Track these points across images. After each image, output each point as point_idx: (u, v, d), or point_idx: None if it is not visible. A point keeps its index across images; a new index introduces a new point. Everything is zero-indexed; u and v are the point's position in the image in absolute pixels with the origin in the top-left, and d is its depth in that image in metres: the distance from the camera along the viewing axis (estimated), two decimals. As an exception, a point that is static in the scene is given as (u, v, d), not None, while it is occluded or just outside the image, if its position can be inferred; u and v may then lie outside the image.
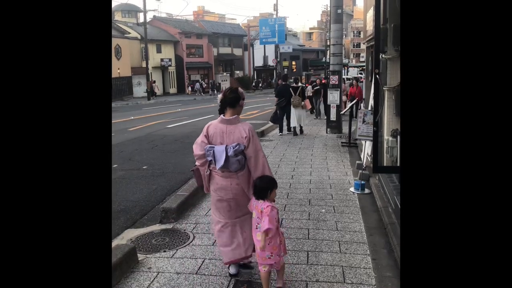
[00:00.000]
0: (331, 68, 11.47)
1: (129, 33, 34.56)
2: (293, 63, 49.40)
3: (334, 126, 11.27)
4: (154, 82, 35.00)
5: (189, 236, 4.10)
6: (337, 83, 11.03)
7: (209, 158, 3.15)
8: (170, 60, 38.39)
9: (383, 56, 5.63)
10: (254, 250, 3.18)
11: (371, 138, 5.56)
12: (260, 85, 45.09)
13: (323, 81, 15.73)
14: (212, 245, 3.88)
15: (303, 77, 33.71)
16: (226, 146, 3.07)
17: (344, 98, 13.99)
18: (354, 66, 53.62)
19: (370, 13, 9.51)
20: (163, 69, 38.16)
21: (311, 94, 15.30)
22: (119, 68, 31.09)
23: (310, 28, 77.87)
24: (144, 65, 32.29)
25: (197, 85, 38.47)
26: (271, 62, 45.49)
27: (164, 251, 3.76)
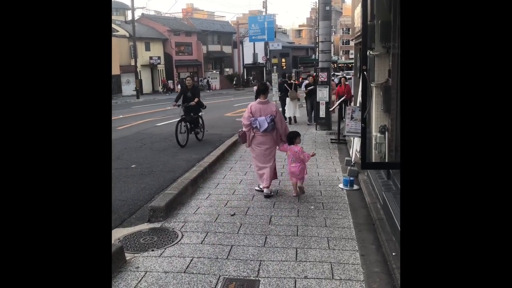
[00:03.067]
0: (319, 65, 11.50)
1: (117, 31, 34.25)
2: (283, 60, 49.48)
3: (324, 123, 11.30)
4: (170, 80, 35.95)
5: (178, 235, 4.07)
6: (326, 80, 11.05)
7: (254, 125, 5.29)
8: (159, 58, 38.16)
9: (371, 52, 5.64)
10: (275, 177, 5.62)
11: (360, 135, 5.58)
12: (241, 82, 45.10)
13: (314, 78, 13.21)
14: (201, 243, 3.86)
15: (293, 74, 33.79)
16: (265, 117, 5.26)
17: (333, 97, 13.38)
18: (344, 63, 53.83)
19: (358, 10, 9.53)
20: (152, 67, 37.91)
21: (304, 95, 13.15)
22: (108, 66, 30.81)
23: (300, 26, 77.94)
24: (133, 63, 32.06)
25: (204, 81, 38.92)
26: (260, 59, 45.44)
27: (152, 250, 3.73)
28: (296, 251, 3.67)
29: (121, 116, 16.43)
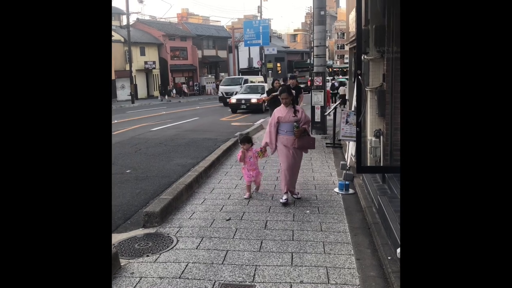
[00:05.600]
0: (314, 69, 11.53)
1: (112, 36, 34.22)
2: (278, 64, 49.54)
3: (319, 127, 11.31)
4: (184, 83, 36.25)
5: (173, 240, 4.05)
6: (321, 84, 11.08)
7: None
8: (154, 62, 38.16)
9: (365, 57, 5.67)
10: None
11: (355, 139, 5.59)
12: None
13: (288, 82, 10.96)
14: (196, 248, 3.84)
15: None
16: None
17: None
18: (339, 67, 54.06)
19: (353, 15, 9.59)
20: (147, 72, 37.90)
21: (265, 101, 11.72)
22: (102, 71, 30.79)
23: (295, 30, 78.27)
24: (127, 68, 32.03)
25: (214, 85, 39.08)
26: (256, 64, 45.53)
27: (147, 256, 3.71)
28: (292, 255, 3.66)
29: (115, 121, 16.36)
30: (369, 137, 5.61)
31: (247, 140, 5.62)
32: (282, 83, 11.84)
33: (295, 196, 5.37)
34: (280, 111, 5.21)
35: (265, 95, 14.54)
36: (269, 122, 5.35)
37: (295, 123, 5.06)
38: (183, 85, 38.33)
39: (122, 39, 34.07)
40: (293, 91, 5.54)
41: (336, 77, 37.15)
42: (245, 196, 5.45)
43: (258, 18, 42.81)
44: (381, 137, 5.22)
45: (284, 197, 5.18)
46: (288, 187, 5.21)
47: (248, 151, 5.51)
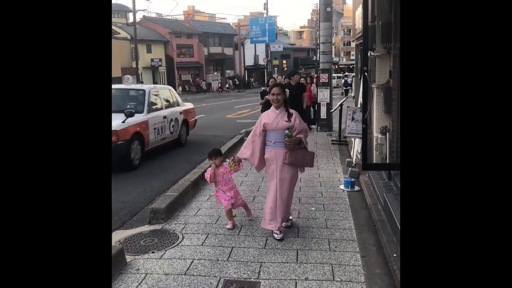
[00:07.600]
0: (321, 66, 11.50)
1: (119, 33, 34.35)
2: (284, 61, 49.57)
3: (324, 124, 11.29)
4: (229, 80, 41.32)
5: (178, 237, 4.06)
6: (327, 81, 11.05)
7: None
8: (160, 60, 38.25)
9: (372, 53, 5.64)
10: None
11: (360, 136, 5.56)
12: (242, 84, 45.39)
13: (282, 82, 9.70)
14: (201, 245, 3.85)
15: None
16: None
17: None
18: (345, 64, 53.86)
19: (359, 11, 9.53)
20: (153, 69, 37.98)
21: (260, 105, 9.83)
22: (109, 68, 30.93)
23: (301, 27, 78.04)
24: (134, 65, 32.14)
25: (230, 82, 40.51)
26: (262, 61, 45.51)
27: (153, 252, 3.73)
28: (297, 252, 3.66)
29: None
30: (375, 134, 5.58)
31: (217, 153, 4.34)
32: (285, 81, 9.93)
33: (284, 224, 4.15)
34: (267, 116, 3.98)
35: (153, 114, 8.46)
36: (253, 130, 4.11)
37: (286, 131, 3.82)
38: (202, 82, 39.94)
39: (129, 37, 34.16)
40: (287, 90, 4.21)
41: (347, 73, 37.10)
42: (228, 226, 4.24)
43: (264, 15, 42.78)
44: (387, 134, 5.20)
45: (279, 234, 3.94)
46: (280, 218, 3.96)
47: (219, 167, 4.30)
